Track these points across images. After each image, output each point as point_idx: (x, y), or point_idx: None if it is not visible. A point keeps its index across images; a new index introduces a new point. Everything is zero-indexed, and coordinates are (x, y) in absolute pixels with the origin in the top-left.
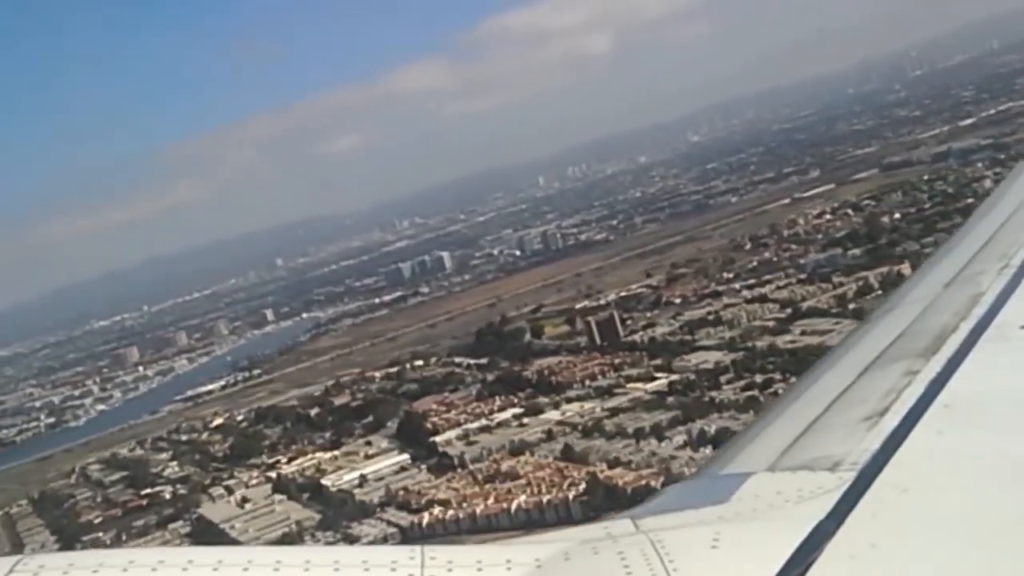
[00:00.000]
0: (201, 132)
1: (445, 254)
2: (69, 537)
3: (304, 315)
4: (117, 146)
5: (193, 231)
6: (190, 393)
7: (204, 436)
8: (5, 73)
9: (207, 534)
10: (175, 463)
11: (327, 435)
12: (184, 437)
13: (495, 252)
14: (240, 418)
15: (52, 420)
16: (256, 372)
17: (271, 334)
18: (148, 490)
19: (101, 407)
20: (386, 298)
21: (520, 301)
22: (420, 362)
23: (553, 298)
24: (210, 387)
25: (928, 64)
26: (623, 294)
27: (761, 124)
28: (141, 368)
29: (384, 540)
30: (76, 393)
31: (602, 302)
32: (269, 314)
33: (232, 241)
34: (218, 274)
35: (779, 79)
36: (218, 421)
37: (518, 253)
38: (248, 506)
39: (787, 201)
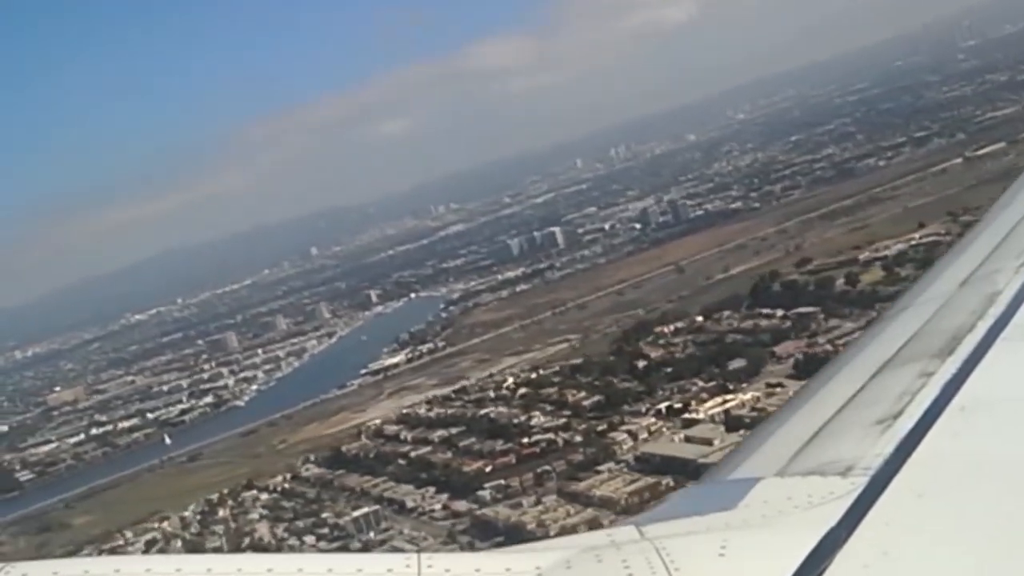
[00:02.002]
0: (242, 121)
1: (557, 230)
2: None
3: (412, 296)
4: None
5: (204, 226)
6: (374, 367)
7: (512, 392)
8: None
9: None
10: (526, 415)
11: (696, 381)
12: (491, 394)
13: (607, 227)
14: (533, 376)
15: (212, 400)
16: (439, 345)
17: (387, 315)
18: (525, 439)
19: (255, 388)
20: (511, 274)
21: (715, 265)
22: (718, 315)
23: (766, 258)
24: (392, 361)
25: (979, 34)
26: (901, 245)
27: (814, 99)
28: (262, 351)
29: None
30: (205, 377)
31: (886, 252)
32: (373, 296)
33: (249, 234)
34: (245, 266)
35: (809, 56)
36: (508, 381)
37: (638, 227)
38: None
39: (959, 160)
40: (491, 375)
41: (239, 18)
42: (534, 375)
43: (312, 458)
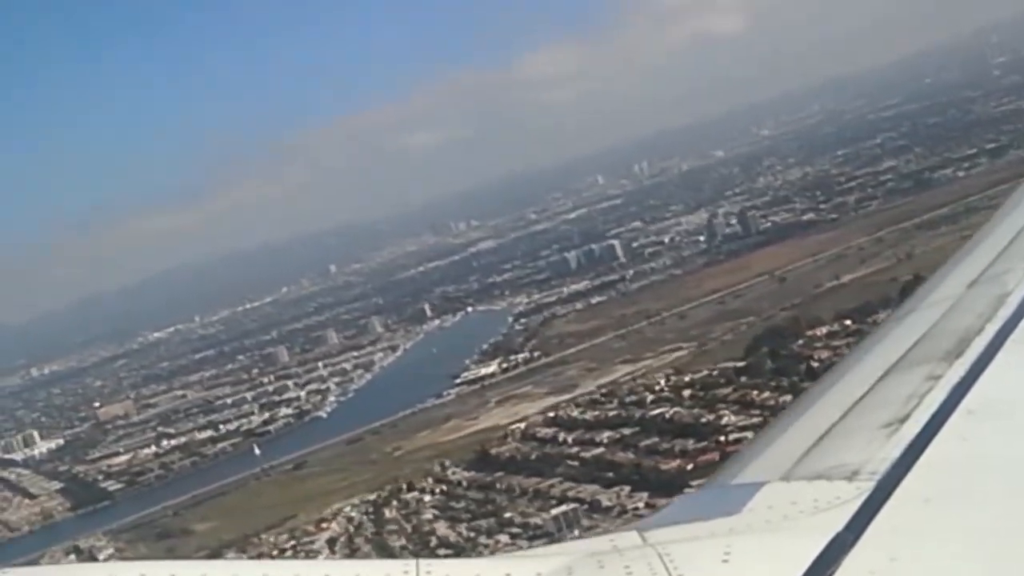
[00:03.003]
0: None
1: (616, 243)
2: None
3: (468, 310)
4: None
5: (208, 245)
6: (467, 377)
7: (677, 394)
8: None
9: None
10: (713, 415)
11: None
12: (650, 397)
13: (666, 240)
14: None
15: (292, 412)
16: (534, 355)
17: (448, 328)
18: (722, 438)
19: (332, 399)
20: (576, 287)
21: (818, 274)
22: (872, 317)
23: (875, 266)
24: (486, 371)
25: (1009, 51)
26: None
27: (845, 115)
28: (322, 365)
29: None
30: (270, 390)
31: None
32: (427, 310)
33: (254, 253)
34: (258, 284)
35: (827, 73)
36: (660, 384)
37: (702, 239)
38: None
39: None
40: (614, 381)
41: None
42: (687, 378)
43: (447, 463)
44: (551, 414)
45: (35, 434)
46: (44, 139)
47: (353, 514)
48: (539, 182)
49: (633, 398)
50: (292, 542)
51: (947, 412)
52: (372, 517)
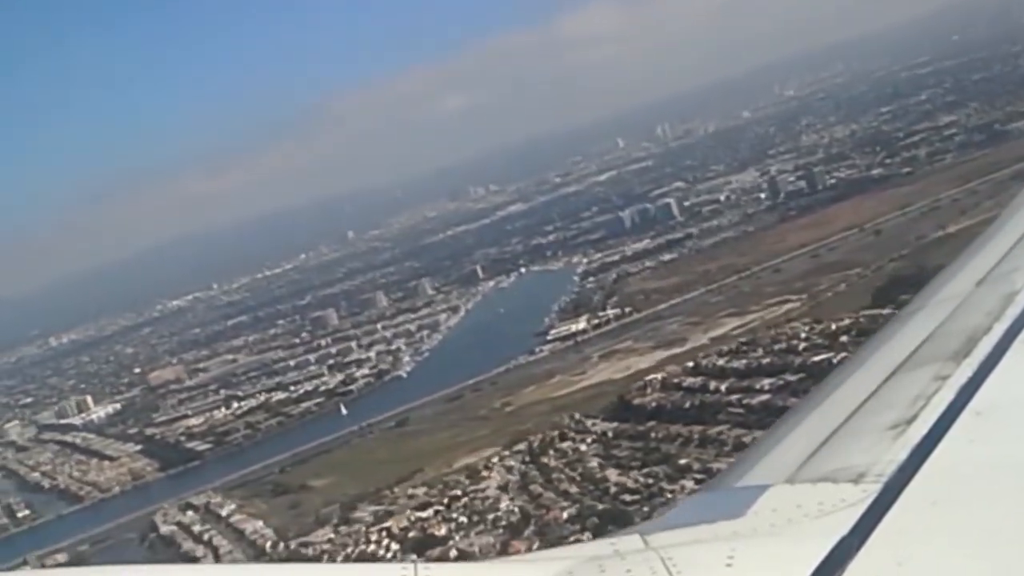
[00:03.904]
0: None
1: (671, 201)
2: None
3: (522, 271)
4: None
5: (215, 214)
6: (558, 334)
7: (832, 339)
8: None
9: None
10: None
11: None
12: (800, 344)
13: (721, 199)
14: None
15: (369, 372)
16: (626, 311)
17: (507, 289)
18: None
19: (407, 359)
20: (639, 246)
21: (918, 226)
22: None
23: (979, 216)
24: (576, 327)
25: None
26: None
27: (876, 74)
28: (380, 326)
29: None
30: (333, 352)
31: None
32: (479, 271)
33: (261, 221)
34: (273, 252)
35: (843, 33)
36: (802, 333)
37: (762, 196)
38: None
39: None
40: (725, 335)
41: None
42: (833, 326)
43: (577, 416)
44: (690, 364)
45: (88, 399)
46: (60, 107)
47: (511, 463)
48: (556, 146)
49: (781, 346)
50: (454, 491)
51: (955, 413)
52: (533, 466)
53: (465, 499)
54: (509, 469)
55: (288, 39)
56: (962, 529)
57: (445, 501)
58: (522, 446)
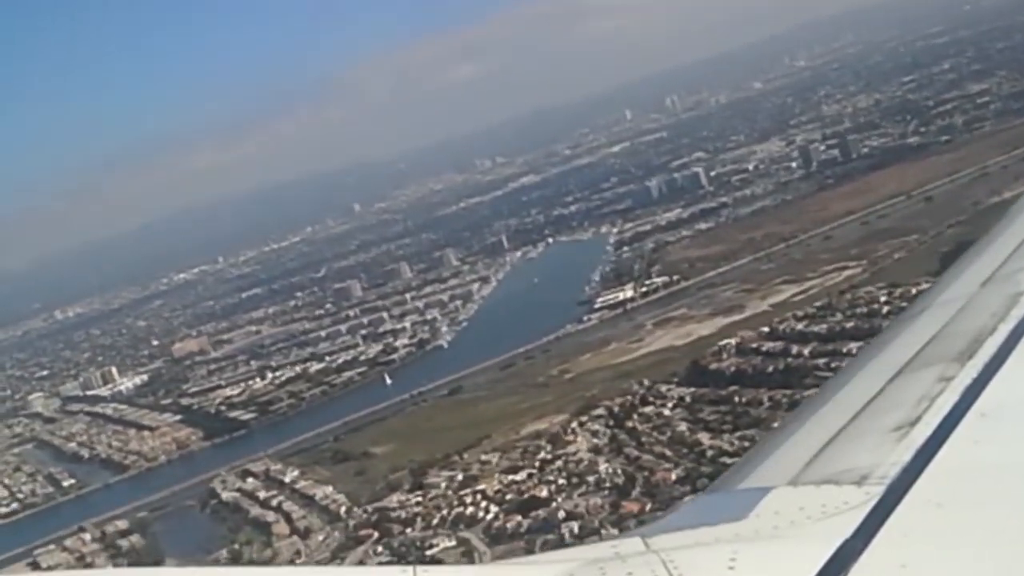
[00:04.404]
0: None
1: (699, 170)
2: None
3: (549, 241)
4: None
5: (214, 188)
6: (606, 302)
7: None
8: None
9: None
10: None
11: None
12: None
13: (750, 168)
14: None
15: (408, 342)
16: (673, 279)
17: (536, 260)
18: None
19: (445, 329)
20: (670, 215)
21: (969, 192)
22: None
23: None
24: (623, 296)
25: None
26: None
27: (889, 44)
28: (409, 296)
29: None
30: (364, 322)
31: None
32: (504, 241)
33: (259, 194)
34: (276, 225)
35: (847, 4)
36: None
37: (793, 165)
38: None
39: None
40: (784, 302)
41: None
42: (913, 290)
43: (646, 381)
44: (765, 329)
45: (113, 370)
46: (63, 79)
47: (595, 427)
48: (561, 119)
49: (862, 310)
50: (539, 455)
51: (959, 415)
52: (620, 430)
53: (558, 463)
54: (594, 433)
55: (297, 11)
56: (967, 532)
57: (536, 464)
58: (600, 411)
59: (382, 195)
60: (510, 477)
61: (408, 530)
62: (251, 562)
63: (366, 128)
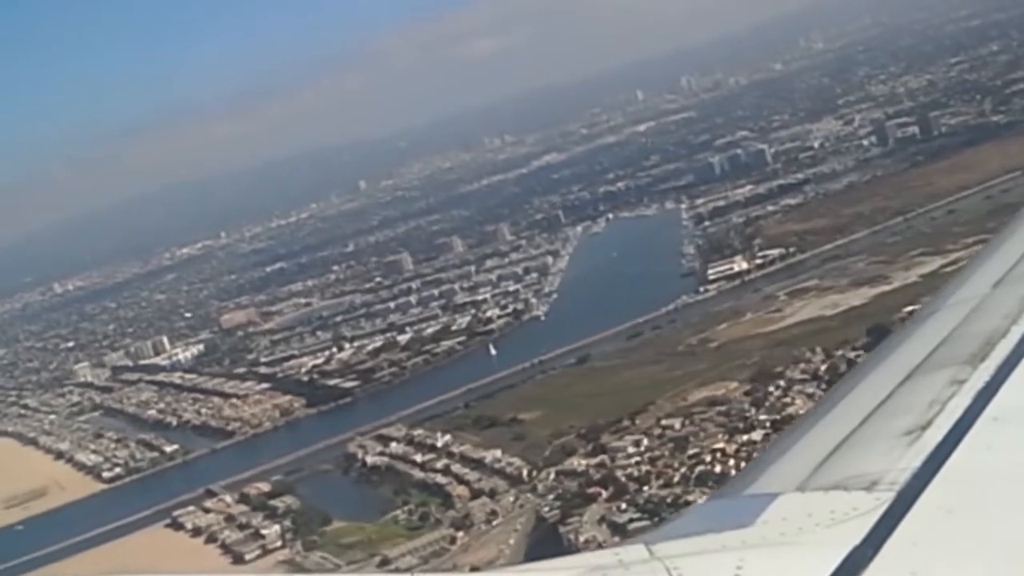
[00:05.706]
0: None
1: (764, 147)
2: None
3: (609, 216)
4: None
5: (206, 163)
6: (720, 273)
7: None
8: None
9: None
10: None
11: None
12: None
13: (815, 146)
14: None
15: (502, 312)
16: (790, 251)
17: (602, 234)
18: None
19: (534, 301)
20: (744, 191)
21: None
22: None
23: None
24: (738, 268)
25: None
26: None
27: (914, 27)
28: (473, 269)
29: None
30: (436, 293)
31: None
32: (562, 216)
33: (254, 171)
34: (276, 201)
35: None
36: None
37: (865, 143)
38: None
39: None
40: (934, 272)
41: None
42: None
43: (818, 349)
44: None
45: (165, 340)
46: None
47: (809, 390)
48: (560, 98)
49: None
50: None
51: (971, 419)
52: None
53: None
54: (810, 396)
55: None
56: (979, 539)
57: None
58: (793, 374)
59: (387, 172)
60: (744, 437)
61: (644, 487)
62: (438, 523)
63: (358, 108)
